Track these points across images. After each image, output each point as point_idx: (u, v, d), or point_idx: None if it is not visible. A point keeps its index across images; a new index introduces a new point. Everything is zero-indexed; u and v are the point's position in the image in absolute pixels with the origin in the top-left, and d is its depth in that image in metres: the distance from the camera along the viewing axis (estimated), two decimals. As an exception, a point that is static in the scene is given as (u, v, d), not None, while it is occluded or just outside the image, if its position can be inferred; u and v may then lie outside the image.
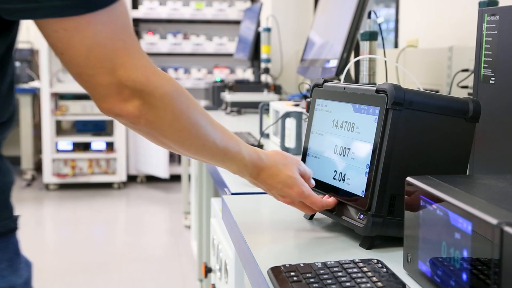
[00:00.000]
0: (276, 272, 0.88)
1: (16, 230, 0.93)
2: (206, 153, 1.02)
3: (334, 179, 1.12)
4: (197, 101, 0.99)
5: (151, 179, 5.88)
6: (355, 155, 1.07)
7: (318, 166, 1.18)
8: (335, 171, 1.12)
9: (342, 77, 1.78)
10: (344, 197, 1.09)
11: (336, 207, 1.11)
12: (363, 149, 1.05)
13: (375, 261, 0.90)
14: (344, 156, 1.10)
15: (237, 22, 5.67)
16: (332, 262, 0.89)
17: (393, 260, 0.94)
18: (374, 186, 1.00)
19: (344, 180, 1.09)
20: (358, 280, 0.83)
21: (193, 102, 0.97)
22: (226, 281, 1.70)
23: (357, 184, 1.05)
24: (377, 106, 1.02)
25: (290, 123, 1.95)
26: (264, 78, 3.86)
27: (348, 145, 1.10)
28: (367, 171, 1.02)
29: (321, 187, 1.15)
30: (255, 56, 3.82)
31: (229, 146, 1.04)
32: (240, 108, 3.36)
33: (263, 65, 3.65)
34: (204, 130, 0.98)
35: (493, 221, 0.65)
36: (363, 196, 1.03)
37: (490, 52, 1.16)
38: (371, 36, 1.84)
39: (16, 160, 5.73)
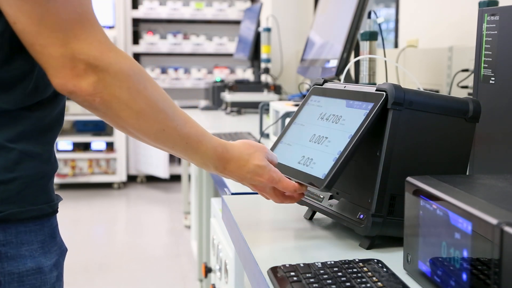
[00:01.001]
0: (276, 272, 0.88)
1: (53, 215, 0.97)
2: (166, 139, 0.97)
3: (299, 163, 1.10)
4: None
5: (151, 179, 5.88)
6: (330, 143, 1.06)
7: (287, 151, 1.16)
8: (303, 156, 1.11)
9: (342, 77, 1.78)
10: (302, 179, 1.07)
11: (336, 207, 1.11)
12: (341, 138, 1.04)
13: (375, 261, 0.90)
14: (318, 143, 1.09)
15: (237, 22, 5.67)
16: (332, 262, 0.89)
17: (393, 260, 0.94)
18: (373, 186, 1.00)
19: (308, 165, 1.08)
20: (358, 280, 0.83)
21: (152, 83, 0.94)
22: (226, 281, 1.70)
23: (320, 167, 1.04)
24: (371, 102, 1.02)
25: (290, 123, 1.95)
26: (264, 78, 3.86)
27: (327, 134, 1.09)
28: (336, 157, 1.01)
29: (283, 169, 1.13)
30: (255, 56, 3.82)
31: (192, 135, 1.00)
32: (240, 108, 3.36)
33: (263, 65, 3.65)
34: (164, 114, 0.94)
35: (493, 221, 0.65)
36: (322, 178, 1.01)
37: (490, 52, 1.16)
38: (371, 36, 1.84)
39: (16, 160, 5.72)
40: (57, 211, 0.98)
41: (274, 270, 0.89)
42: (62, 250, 1.00)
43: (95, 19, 0.88)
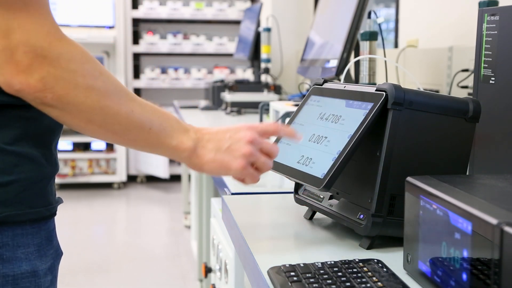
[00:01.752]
0: (276, 272, 0.88)
1: (51, 218, 0.95)
2: (136, 123, 0.89)
3: (298, 163, 1.10)
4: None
5: (151, 179, 5.88)
6: (330, 143, 1.05)
7: (286, 151, 1.16)
8: (302, 156, 1.10)
9: (342, 77, 1.78)
10: (301, 179, 1.06)
11: (336, 207, 1.11)
12: (340, 138, 1.03)
13: (375, 261, 0.90)
14: (317, 143, 1.09)
15: (237, 22, 5.67)
16: (332, 262, 0.89)
17: (393, 260, 0.94)
18: (373, 186, 1.00)
19: (307, 164, 1.07)
20: (358, 280, 0.83)
21: (104, 70, 0.86)
22: (226, 281, 1.70)
23: (319, 167, 1.03)
24: (371, 102, 1.02)
25: (290, 123, 1.95)
26: (264, 78, 3.86)
27: (326, 134, 1.08)
28: (336, 157, 1.01)
29: (282, 169, 1.13)
30: (255, 56, 3.82)
31: (157, 110, 0.92)
32: (240, 108, 3.36)
33: (263, 65, 3.64)
34: (126, 96, 0.88)
35: (493, 221, 0.65)
36: (321, 177, 1.01)
37: (490, 52, 1.16)
38: (371, 36, 1.84)
39: (16, 160, 5.73)
40: (55, 214, 0.96)
41: (274, 270, 0.89)
42: (57, 254, 0.99)
43: (44, 5, 0.80)
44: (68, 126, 0.88)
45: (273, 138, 1.15)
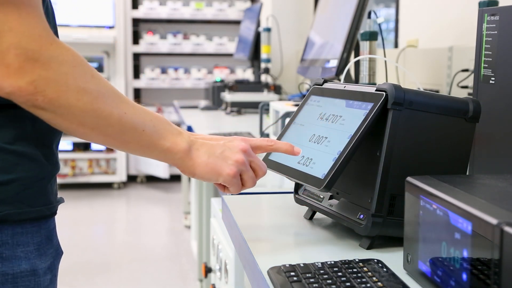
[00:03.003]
0: (276, 272, 0.88)
1: (51, 217, 0.95)
2: (126, 128, 0.88)
3: (298, 163, 1.09)
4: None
5: (151, 179, 5.88)
6: (330, 143, 1.05)
7: None
8: (303, 156, 1.09)
9: (342, 77, 1.78)
10: (302, 179, 1.06)
11: (336, 207, 1.11)
12: (340, 138, 1.03)
13: (375, 261, 0.90)
14: (317, 143, 1.09)
15: (237, 22, 5.67)
16: (332, 262, 0.89)
17: (393, 260, 0.94)
18: (373, 186, 1.00)
19: (307, 165, 1.06)
20: (358, 280, 0.83)
21: (95, 73, 0.86)
22: (226, 281, 1.70)
23: (320, 167, 1.03)
24: (371, 102, 1.02)
25: (290, 123, 1.95)
26: (264, 78, 3.86)
27: (326, 134, 1.08)
28: (336, 157, 1.01)
29: (282, 169, 1.13)
30: (255, 56, 3.82)
31: (149, 114, 0.92)
32: (240, 108, 3.36)
33: (263, 65, 3.65)
34: (117, 99, 0.87)
35: (493, 221, 0.65)
36: (322, 178, 1.01)
37: (490, 52, 1.16)
38: (371, 36, 1.84)
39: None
40: (55, 213, 0.97)
41: (274, 270, 0.89)
42: (57, 253, 0.99)
43: (36, 11, 0.79)
44: (60, 129, 0.87)
45: (273, 139, 1.15)
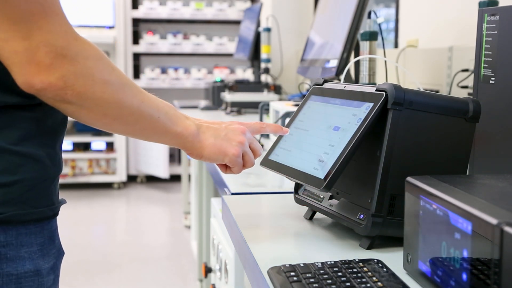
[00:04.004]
0: (276, 272, 0.88)
1: (53, 218, 0.96)
2: (147, 114, 0.93)
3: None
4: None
5: (151, 179, 5.88)
6: (330, 143, 1.05)
7: (287, 151, 1.16)
8: (303, 156, 1.11)
9: (342, 77, 1.78)
10: (302, 179, 1.06)
11: (336, 207, 1.11)
12: (340, 138, 1.03)
13: (375, 261, 0.90)
14: (317, 143, 1.09)
15: (237, 22, 5.67)
16: (332, 262, 0.89)
17: (393, 260, 0.94)
18: (373, 186, 1.00)
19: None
20: (358, 280, 0.83)
21: (113, 66, 0.90)
22: (226, 281, 1.70)
23: (320, 167, 1.03)
24: (371, 102, 1.02)
25: (290, 123, 1.95)
26: (264, 78, 3.86)
27: (326, 134, 1.08)
28: (336, 157, 1.00)
29: (282, 169, 1.13)
30: (255, 56, 3.82)
31: (163, 104, 0.98)
32: (240, 108, 3.36)
33: (263, 65, 3.64)
34: (135, 89, 0.93)
35: (493, 221, 0.65)
36: (322, 178, 1.00)
37: (490, 52, 1.16)
38: (371, 36, 1.84)
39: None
40: (57, 214, 0.97)
41: (274, 270, 0.89)
42: (60, 253, 1.00)
43: (59, 8, 0.84)
44: (81, 121, 0.90)
45: (273, 139, 1.15)
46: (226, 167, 1.10)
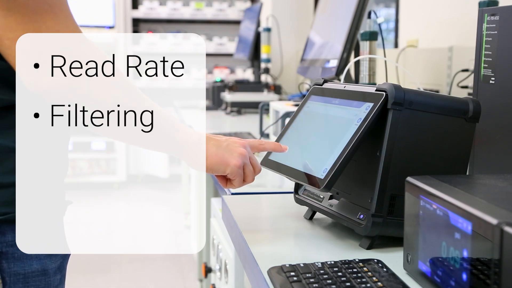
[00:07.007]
0: (276, 272, 0.88)
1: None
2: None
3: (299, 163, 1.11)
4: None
5: (151, 179, 5.88)
6: (330, 143, 1.05)
7: (286, 151, 1.16)
8: (303, 156, 1.11)
9: (342, 77, 1.78)
10: (302, 179, 1.07)
11: (336, 207, 1.11)
12: (340, 138, 1.03)
13: (375, 261, 0.90)
14: (317, 144, 1.09)
15: (237, 22, 5.66)
16: (332, 262, 0.89)
17: (393, 260, 0.94)
18: (373, 186, 1.00)
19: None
20: (358, 280, 0.83)
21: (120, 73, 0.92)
22: (226, 281, 1.70)
23: (320, 167, 1.03)
24: (371, 102, 1.02)
25: (290, 123, 1.95)
26: (264, 78, 3.86)
27: (326, 134, 1.08)
28: (336, 157, 1.00)
29: (282, 169, 1.13)
30: (255, 56, 3.82)
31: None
32: (240, 108, 3.36)
33: (263, 65, 3.64)
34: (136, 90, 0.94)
35: (493, 221, 0.65)
36: (322, 178, 1.01)
37: (490, 52, 1.16)
38: (371, 36, 1.84)
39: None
40: (64, 215, 0.98)
41: (274, 270, 0.89)
42: (66, 254, 1.00)
43: (67, 8, 0.85)
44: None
45: (273, 139, 1.15)
46: (226, 181, 1.09)
